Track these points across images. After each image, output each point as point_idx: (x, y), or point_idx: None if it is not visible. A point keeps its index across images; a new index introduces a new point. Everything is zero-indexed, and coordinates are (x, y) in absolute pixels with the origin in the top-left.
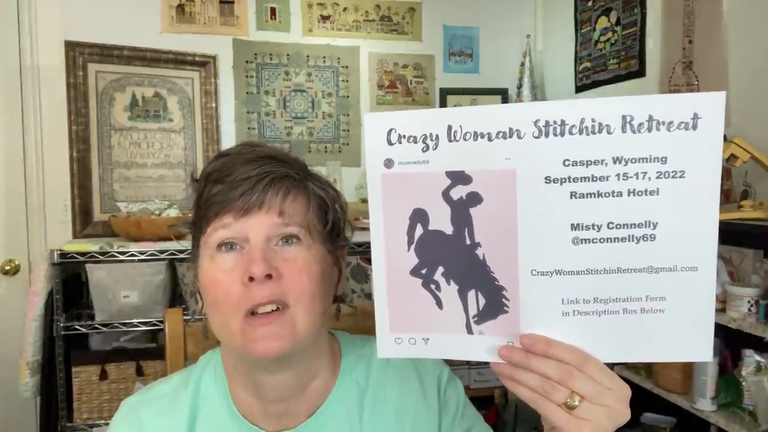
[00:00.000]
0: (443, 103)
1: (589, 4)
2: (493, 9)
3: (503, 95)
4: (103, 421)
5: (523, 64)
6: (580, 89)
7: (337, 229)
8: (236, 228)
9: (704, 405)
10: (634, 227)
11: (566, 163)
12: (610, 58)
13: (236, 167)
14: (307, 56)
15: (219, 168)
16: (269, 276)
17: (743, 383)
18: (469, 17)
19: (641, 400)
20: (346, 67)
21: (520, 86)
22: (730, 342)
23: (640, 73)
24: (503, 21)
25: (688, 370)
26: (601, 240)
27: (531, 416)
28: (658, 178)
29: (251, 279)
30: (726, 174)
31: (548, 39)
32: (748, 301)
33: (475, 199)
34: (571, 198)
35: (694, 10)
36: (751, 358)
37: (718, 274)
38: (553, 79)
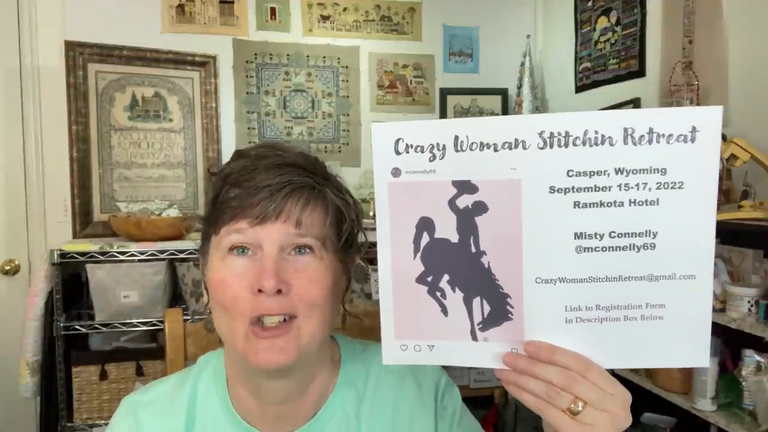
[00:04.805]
0: (443, 103)
1: (589, 4)
2: (493, 9)
3: (503, 95)
4: (103, 421)
5: (523, 64)
6: (580, 89)
7: (350, 240)
8: (250, 234)
9: (704, 405)
10: (635, 236)
11: (570, 173)
12: (610, 58)
13: (257, 172)
14: (307, 56)
15: (238, 170)
16: (279, 291)
17: (743, 383)
18: (469, 17)
19: (641, 400)
20: (346, 67)
21: (520, 86)
22: (730, 342)
23: (640, 73)
24: (503, 21)
25: (688, 370)
26: (604, 249)
27: (531, 416)
28: (657, 188)
29: (260, 291)
30: (726, 174)
31: (548, 39)
32: (748, 301)
33: (480, 208)
34: (574, 207)
35: (694, 10)
36: (751, 358)
37: (718, 274)
38: (553, 79)
